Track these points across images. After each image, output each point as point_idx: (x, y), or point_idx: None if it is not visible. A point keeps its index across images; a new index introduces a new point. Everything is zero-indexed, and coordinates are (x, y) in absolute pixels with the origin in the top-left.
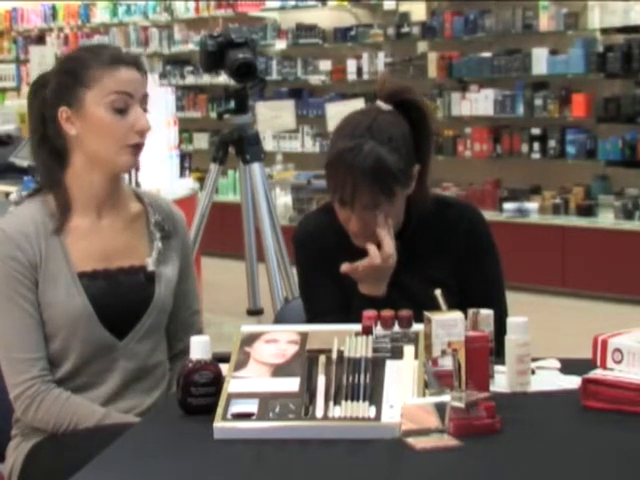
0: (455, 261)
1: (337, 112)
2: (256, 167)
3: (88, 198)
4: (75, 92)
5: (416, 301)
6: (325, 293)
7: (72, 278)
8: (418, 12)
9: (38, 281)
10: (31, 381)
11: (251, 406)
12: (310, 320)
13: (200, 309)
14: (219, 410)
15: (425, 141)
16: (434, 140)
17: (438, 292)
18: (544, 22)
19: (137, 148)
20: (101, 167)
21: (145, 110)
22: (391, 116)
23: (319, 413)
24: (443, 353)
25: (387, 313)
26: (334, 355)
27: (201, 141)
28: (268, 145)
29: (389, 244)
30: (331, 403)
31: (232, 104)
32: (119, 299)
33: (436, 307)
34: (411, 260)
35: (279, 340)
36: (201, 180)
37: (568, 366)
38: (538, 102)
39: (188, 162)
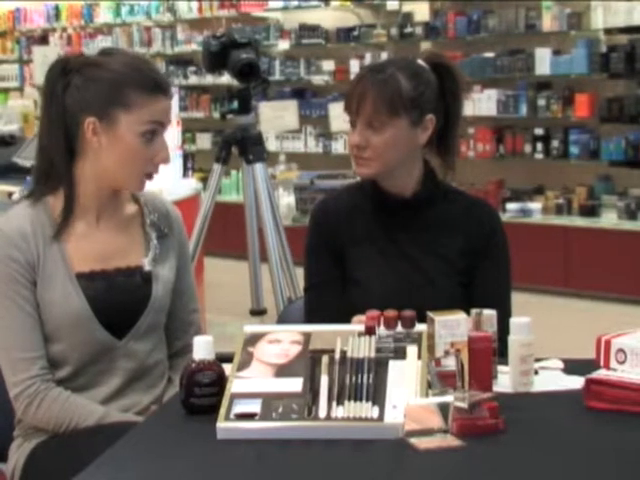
0: (471, 253)
1: (340, 112)
2: (259, 167)
3: (90, 201)
4: (111, 109)
5: (426, 273)
6: (324, 266)
7: (70, 279)
8: (421, 12)
9: (36, 281)
10: (31, 380)
11: (254, 406)
12: (307, 290)
13: (198, 308)
14: (222, 410)
15: (454, 105)
16: (462, 113)
17: None
18: (547, 22)
19: (150, 177)
20: (108, 180)
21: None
22: (425, 67)
23: (322, 413)
24: (446, 353)
25: (390, 313)
26: (337, 355)
27: (204, 141)
28: (271, 145)
29: None
30: (334, 403)
31: (235, 104)
32: (117, 299)
33: (444, 282)
34: (421, 232)
35: (282, 340)
36: (204, 180)
37: (571, 366)
38: (541, 102)
39: (191, 162)
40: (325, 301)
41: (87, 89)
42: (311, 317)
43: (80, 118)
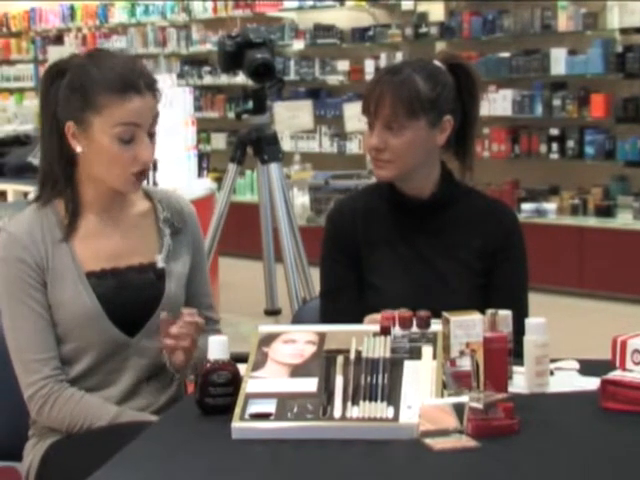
0: (489, 254)
1: (355, 112)
2: (274, 167)
3: (94, 201)
4: (83, 113)
5: (443, 276)
6: (341, 271)
7: (80, 278)
8: (436, 12)
9: (46, 282)
10: (44, 380)
11: (269, 406)
12: (322, 295)
13: (214, 304)
14: (237, 410)
15: (471, 106)
16: (479, 114)
17: None
18: (563, 22)
19: (140, 175)
20: (103, 183)
21: (153, 134)
22: (441, 68)
23: (337, 413)
24: (461, 354)
25: (405, 313)
26: (352, 355)
27: (219, 141)
28: (286, 145)
29: None
30: (349, 403)
31: (250, 104)
32: (129, 297)
33: (462, 285)
34: (438, 234)
35: (297, 340)
36: (219, 180)
37: (587, 367)
38: (557, 102)
39: (206, 162)
40: (341, 307)
41: (67, 94)
42: (327, 322)
43: (63, 125)
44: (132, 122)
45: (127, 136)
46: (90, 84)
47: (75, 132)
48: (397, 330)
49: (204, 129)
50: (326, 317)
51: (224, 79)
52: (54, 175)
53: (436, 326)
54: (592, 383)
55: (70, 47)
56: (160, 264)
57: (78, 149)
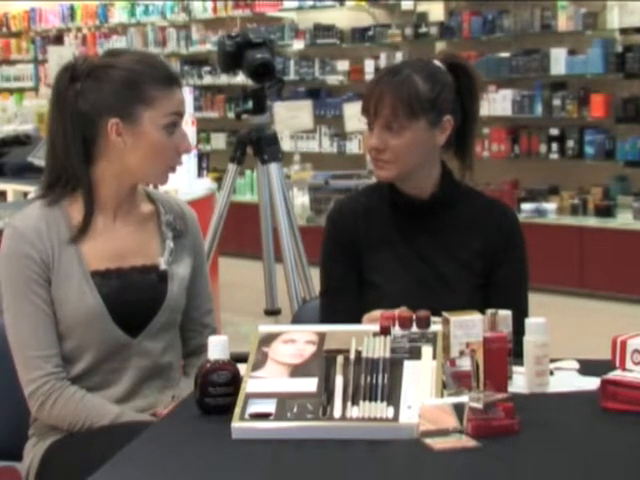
0: (489, 254)
1: (355, 112)
2: (274, 167)
3: (109, 201)
4: (132, 107)
5: (443, 276)
6: (341, 271)
7: (84, 277)
8: (436, 12)
9: (51, 279)
10: (46, 377)
11: (269, 406)
12: (323, 294)
13: (213, 308)
14: (237, 410)
15: (471, 106)
16: (479, 114)
17: None
18: (563, 22)
19: (174, 169)
20: (131, 178)
21: None
22: (441, 68)
23: (337, 413)
24: (461, 354)
25: (405, 313)
26: (352, 355)
27: (219, 141)
28: (285, 145)
29: None
30: (349, 403)
31: (250, 104)
32: (132, 297)
33: (462, 285)
34: (438, 234)
35: (297, 340)
36: (218, 180)
37: (587, 367)
38: (556, 102)
39: (206, 162)
40: (341, 306)
41: (101, 91)
42: (326, 322)
43: (99, 121)
44: (178, 111)
45: (173, 126)
46: (136, 78)
47: (120, 128)
48: (397, 330)
49: (204, 129)
50: (326, 317)
51: (224, 79)
52: (69, 175)
53: (436, 326)
54: (592, 383)
55: (70, 47)
56: (163, 266)
57: (120, 145)
